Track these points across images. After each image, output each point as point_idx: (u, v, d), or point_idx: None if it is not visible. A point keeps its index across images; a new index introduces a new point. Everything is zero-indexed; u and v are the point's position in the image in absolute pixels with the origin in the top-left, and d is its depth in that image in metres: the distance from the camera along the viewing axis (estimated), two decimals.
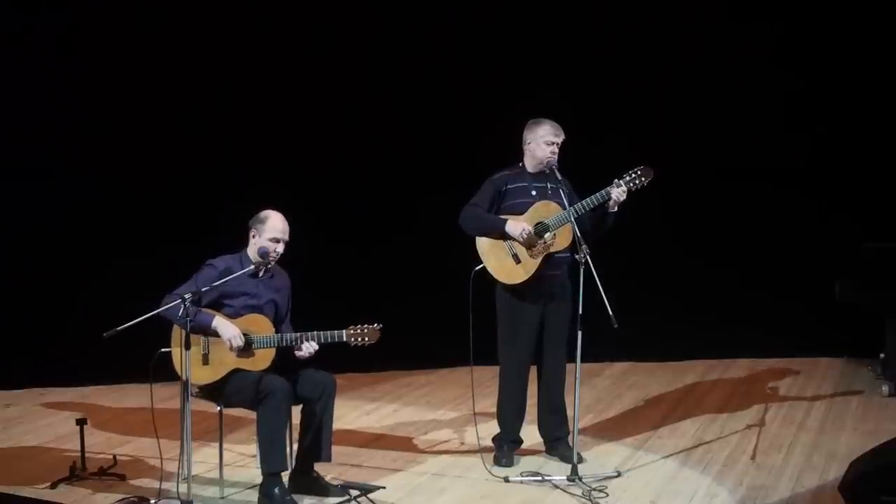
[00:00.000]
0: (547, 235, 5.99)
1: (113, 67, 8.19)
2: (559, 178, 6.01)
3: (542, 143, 6.09)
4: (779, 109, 8.54)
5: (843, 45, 8.43)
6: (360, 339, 5.48)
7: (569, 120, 6.22)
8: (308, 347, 5.53)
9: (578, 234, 5.80)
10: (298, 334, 5.52)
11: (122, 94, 8.21)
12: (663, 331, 8.61)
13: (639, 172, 5.98)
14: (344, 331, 5.47)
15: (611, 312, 5.56)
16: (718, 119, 8.57)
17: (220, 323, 5.50)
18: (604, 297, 5.58)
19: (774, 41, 8.52)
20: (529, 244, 5.98)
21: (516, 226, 5.99)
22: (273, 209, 5.68)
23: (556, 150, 6.08)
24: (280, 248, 5.63)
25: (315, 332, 5.50)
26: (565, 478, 5.78)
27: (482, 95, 8.37)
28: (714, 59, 8.55)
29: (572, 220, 5.88)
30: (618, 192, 5.94)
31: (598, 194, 5.95)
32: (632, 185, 5.96)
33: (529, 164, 6.16)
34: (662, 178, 6.04)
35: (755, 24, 8.52)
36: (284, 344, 5.51)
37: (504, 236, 6.02)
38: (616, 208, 6.01)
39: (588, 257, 5.68)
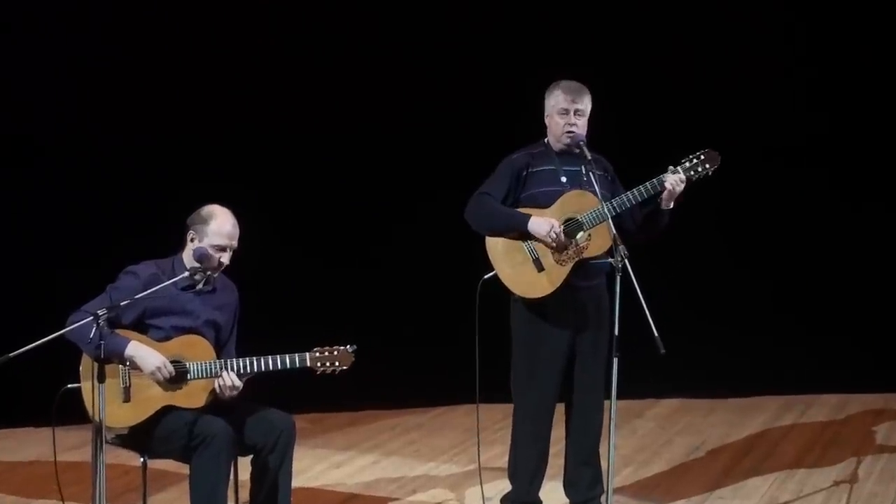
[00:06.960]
0: (579, 236, 5.79)
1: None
2: (589, 157, 5.78)
3: (555, 113, 5.90)
4: (862, 118, 8.63)
5: None
6: (328, 365, 5.41)
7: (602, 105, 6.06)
8: (228, 380, 5.34)
9: (615, 232, 5.56)
10: (248, 359, 5.39)
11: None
12: (723, 359, 8.52)
13: (702, 158, 5.83)
14: (308, 354, 5.40)
15: (656, 334, 5.29)
16: (796, 124, 8.65)
17: (139, 350, 5.30)
18: (647, 313, 5.31)
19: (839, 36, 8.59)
20: (560, 248, 5.77)
21: (542, 223, 5.76)
22: (220, 206, 5.54)
23: (577, 122, 5.87)
24: (226, 258, 5.48)
25: (272, 357, 5.38)
26: None
27: (483, 85, 8.41)
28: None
29: (610, 215, 5.69)
30: (674, 181, 5.76)
31: (647, 184, 5.79)
32: (692, 172, 5.81)
33: (553, 142, 5.98)
34: (722, 173, 5.91)
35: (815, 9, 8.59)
36: (228, 373, 5.37)
37: (525, 236, 5.79)
38: (672, 204, 5.82)
39: (627, 261, 5.44)
